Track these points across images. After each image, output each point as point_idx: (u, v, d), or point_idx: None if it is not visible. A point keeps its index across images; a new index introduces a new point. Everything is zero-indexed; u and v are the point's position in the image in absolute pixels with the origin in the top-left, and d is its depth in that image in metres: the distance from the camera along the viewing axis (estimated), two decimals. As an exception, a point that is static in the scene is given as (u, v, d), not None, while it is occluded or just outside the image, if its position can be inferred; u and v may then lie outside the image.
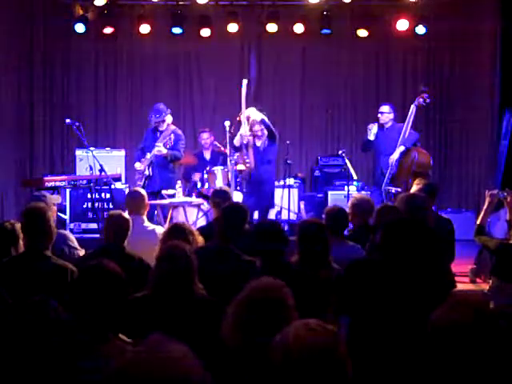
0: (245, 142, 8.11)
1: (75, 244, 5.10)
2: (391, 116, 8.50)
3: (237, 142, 8.14)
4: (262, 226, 4.45)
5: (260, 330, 2.39)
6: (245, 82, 8.23)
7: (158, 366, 1.56)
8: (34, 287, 3.76)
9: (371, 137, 8.40)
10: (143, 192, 5.93)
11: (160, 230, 5.50)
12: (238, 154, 8.19)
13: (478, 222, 5.58)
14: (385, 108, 8.61)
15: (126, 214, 4.88)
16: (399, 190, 7.95)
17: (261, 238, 4.13)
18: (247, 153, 8.17)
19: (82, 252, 5.09)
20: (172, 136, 8.22)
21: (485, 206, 5.62)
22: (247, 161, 8.09)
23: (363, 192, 8.64)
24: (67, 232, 5.21)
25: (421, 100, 8.40)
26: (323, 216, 5.23)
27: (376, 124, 8.47)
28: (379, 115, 8.56)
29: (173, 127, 8.44)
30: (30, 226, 4.10)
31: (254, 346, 2.37)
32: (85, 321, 2.73)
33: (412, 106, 8.47)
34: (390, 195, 7.98)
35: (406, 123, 8.38)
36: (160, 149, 8.14)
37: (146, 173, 8.15)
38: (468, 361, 2.12)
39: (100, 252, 4.45)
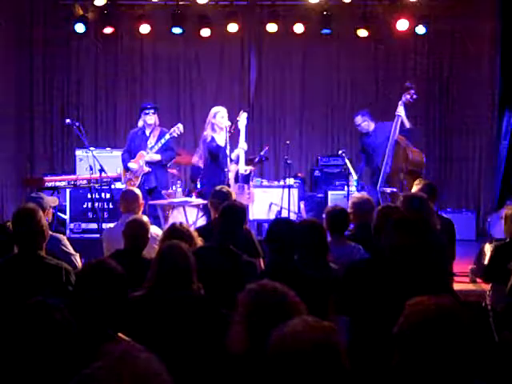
0: (246, 173, 8.14)
1: (69, 248, 5.01)
2: (367, 122, 8.47)
3: (234, 156, 8.15)
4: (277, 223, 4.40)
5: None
6: (244, 115, 8.19)
7: (122, 378, 1.54)
8: (29, 288, 3.74)
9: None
10: (137, 191, 5.92)
11: (155, 229, 5.50)
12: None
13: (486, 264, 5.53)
14: (357, 119, 8.55)
15: (144, 218, 4.86)
16: (394, 189, 7.95)
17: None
18: (248, 185, 8.20)
19: (76, 256, 5.04)
20: (164, 138, 8.09)
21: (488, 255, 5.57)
22: (248, 195, 8.09)
23: (363, 192, 8.63)
24: (62, 236, 5.14)
25: (408, 96, 8.33)
26: (323, 216, 5.22)
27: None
28: (358, 127, 8.56)
29: (158, 126, 8.34)
30: (21, 228, 4.07)
31: (261, 350, 2.36)
32: (87, 319, 2.74)
33: (400, 103, 8.36)
34: (386, 195, 7.97)
35: (394, 122, 8.28)
36: (152, 156, 8.05)
37: (146, 169, 8.08)
38: (436, 356, 2.13)
39: (115, 256, 4.39)
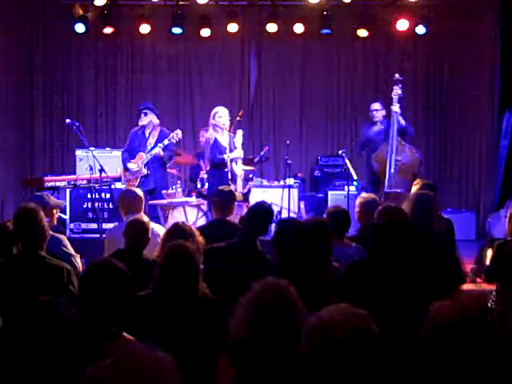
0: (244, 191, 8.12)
1: (70, 249, 5.00)
2: (384, 112, 8.49)
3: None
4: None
5: (270, 328, 2.39)
6: (240, 132, 8.13)
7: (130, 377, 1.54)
8: (30, 288, 3.74)
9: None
10: (139, 192, 5.90)
11: (158, 228, 5.49)
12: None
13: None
14: (377, 105, 8.60)
15: (144, 218, 4.84)
16: (399, 190, 7.93)
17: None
18: (248, 203, 8.13)
19: (76, 257, 5.02)
20: (163, 143, 8.08)
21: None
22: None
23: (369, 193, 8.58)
24: (62, 236, 5.12)
25: (400, 92, 8.32)
26: (324, 216, 5.21)
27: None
28: (374, 112, 8.55)
29: (159, 127, 8.35)
30: (21, 228, 4.06)
31: (264, 344, 2.38)
32: (91, 317, 2.76)
33: (394, 100, 8.34)
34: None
35: (392, 120, 8.25)
36: (158, 150, 8.06)
37: (144, 171, 8.10)
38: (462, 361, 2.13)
39: (116, 256, 4.35)
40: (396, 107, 8.25)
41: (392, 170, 8.18)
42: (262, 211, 4.75)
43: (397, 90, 8.27)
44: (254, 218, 4.63)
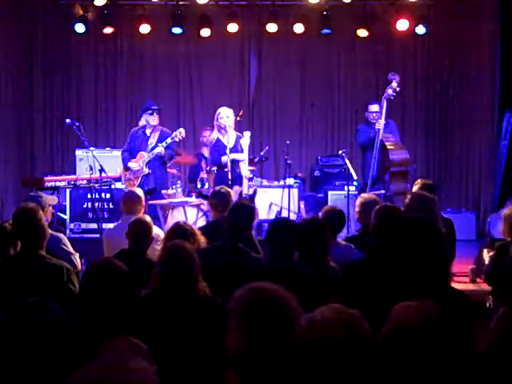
0: (250, 193, 8.05)
1: (69, 247, 5.03)
2: (379, 114, 8.43)
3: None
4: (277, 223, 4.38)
5: (266, 335, 2.38)
6: (247, 133, 8.05)
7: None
8: (30, 288, 3.74)
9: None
10: (140, 192, 5.91)
11: (156, 230, 5.48)
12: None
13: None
14: (375, 107, 8.54)
15: (146, 218, 4.86)
16: (383, 192, 7.92)
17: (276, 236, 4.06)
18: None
19: (76, 256, 5.04)
20: (166, 142, 8.07)
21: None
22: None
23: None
24: (62, 235, 5.13)
25: (390, 91, 8.24)
26: (320, 214, 5.21)
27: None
28: (374, 115, 8.47)
29: (159, 126, 8.34)
30: (21, 228, 4.06)
31: (259, 351, 2.37)
32: (92, 317, 2.77)
33: (383, 99, 8.30)
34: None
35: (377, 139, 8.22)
36: (160, 149, 8.06)
37: (145, 170, 8.09)
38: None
39: (119, 256, 4.28)
40: (379, 124, 8.17)
41: (375, 173, 8.17)
42: (243, 210, 4.75)
43: (388, 90, 8.23)
44: (235, 217, 4.63)
